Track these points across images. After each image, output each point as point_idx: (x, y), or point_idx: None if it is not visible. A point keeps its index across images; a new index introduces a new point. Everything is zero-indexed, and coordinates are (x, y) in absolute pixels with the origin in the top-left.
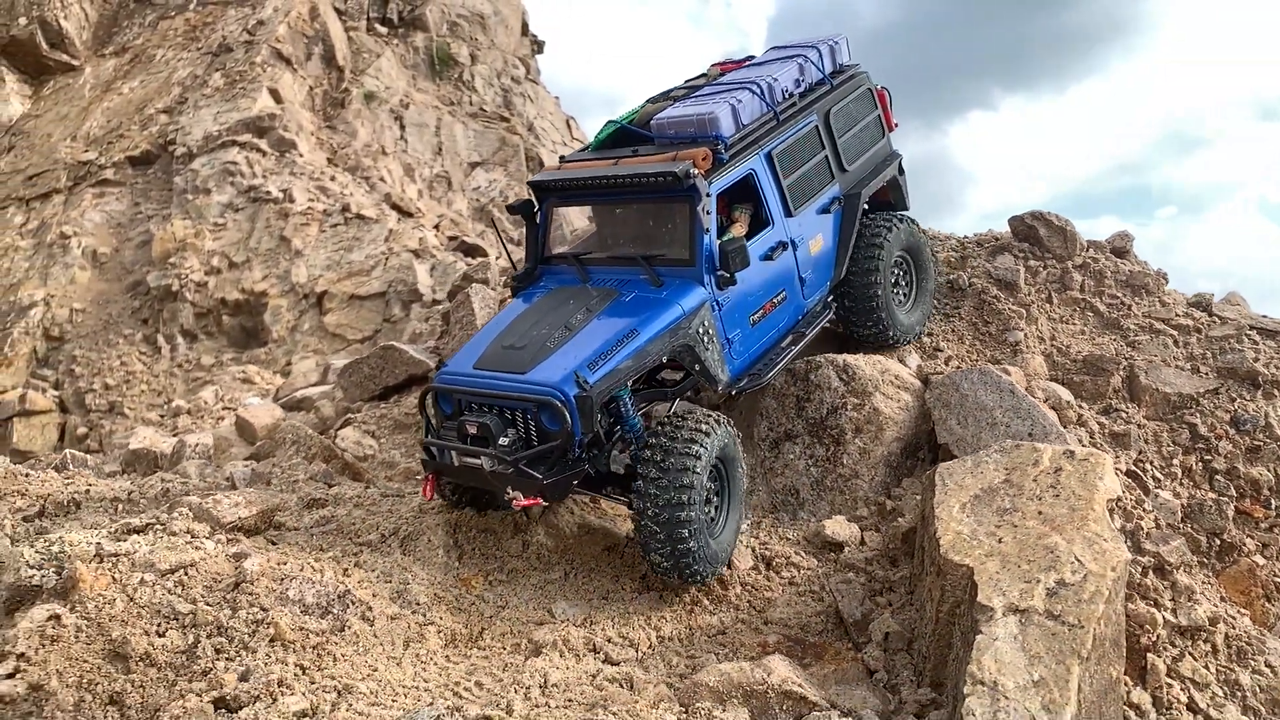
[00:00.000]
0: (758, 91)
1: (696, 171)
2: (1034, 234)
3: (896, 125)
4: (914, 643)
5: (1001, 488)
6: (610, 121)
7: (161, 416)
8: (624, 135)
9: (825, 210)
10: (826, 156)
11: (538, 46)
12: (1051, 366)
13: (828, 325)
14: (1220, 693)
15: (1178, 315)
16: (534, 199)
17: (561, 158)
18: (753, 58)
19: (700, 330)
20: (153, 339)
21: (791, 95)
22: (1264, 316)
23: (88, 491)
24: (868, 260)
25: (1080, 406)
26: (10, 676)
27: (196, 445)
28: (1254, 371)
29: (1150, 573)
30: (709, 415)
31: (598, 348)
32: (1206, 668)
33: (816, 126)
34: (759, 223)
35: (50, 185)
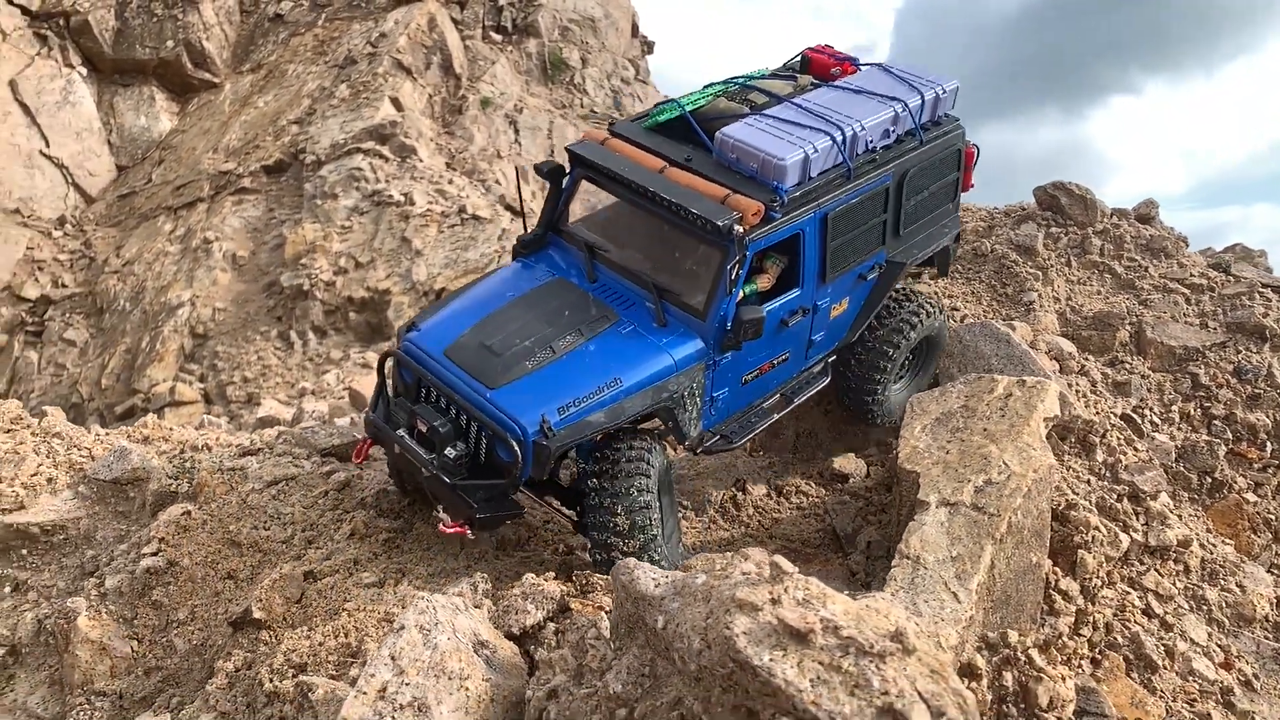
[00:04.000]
0: (838, 141)
1: (740, 230)
2: (1056, 203)
3: (973, 186)
4: (892, 550)
5: (959, 411)
6: (674, 102)
7: (289, 397)
8: (684, 125)
9: (862, 276)
10: (885, 221)
11: (648, 47)
12: (1063, 324)
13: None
14: (1185, 606)
15: (1193, 276)
16: (567, 164)
17: (610, 126)
18: (855, 61)
19: (686, 390)
20: (286, 335)
21: (874, 150)
22: None
23: (217, 439)
24: (887, 343)
25: (1084, 358)
26: (154, 554)
27: (313, 411)
28: (1262, 326)
29: (1124, 499)
30: (644, 446)
31: (574, 389)
32: (1173, 584)
33: (888, 187)
34: (788, 277)
35: (195, 194)
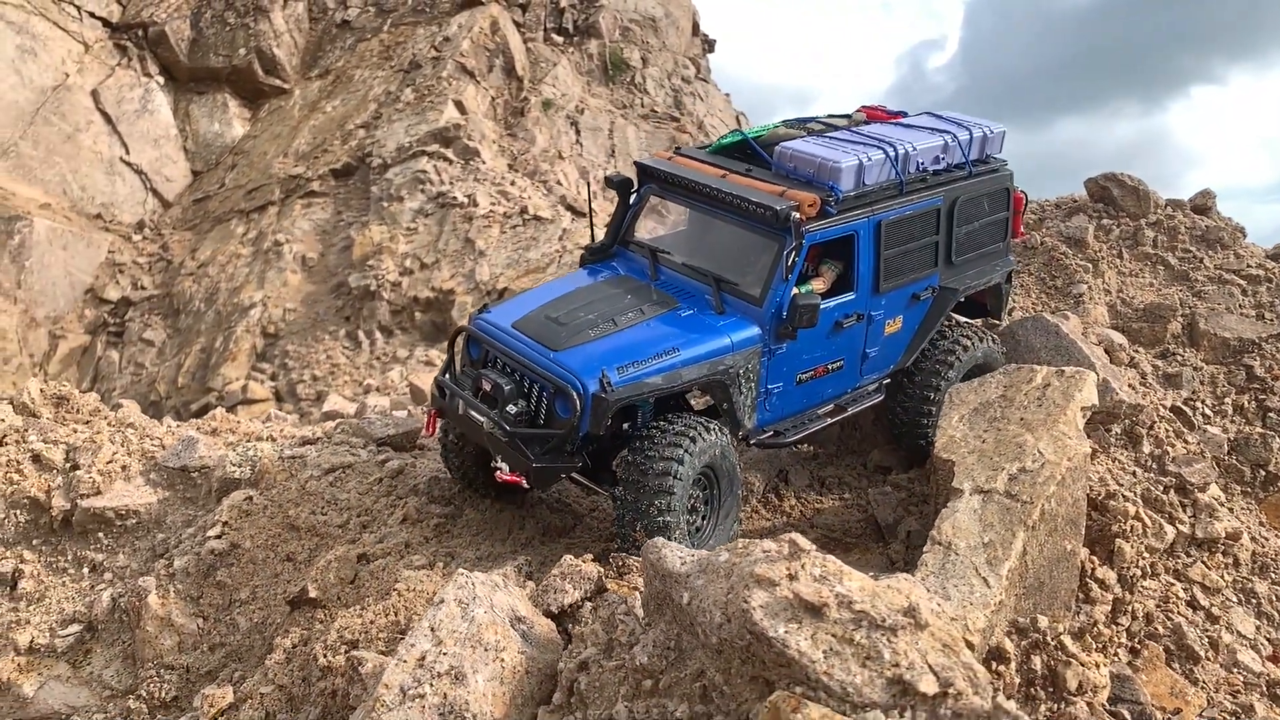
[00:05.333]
0: (890, 156)
1: (798, 216)
2: (1108, 194)
3: (1024, 234)
4: None
5: (997, 401)
6: (736, 132)
7: (355, 394)
8: (746, 149)
9: (916, 296)
10: (937, 243)
11: (708, 45)
12: (1114, 316)
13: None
14: (1233, 598)
15: (1250, 267)
16: (636, 180)
17: (676, 149)
18: (905, 114)
19: (741, 371)
20: (354, 334)
21: (925, 170)
22: None
23: (281, 430)
24: (936, 369)
25: (1135, 350)
26: (218, 537)
27: (375, 406)
28: None
29: (1171, 490)
30: (698, 422)
31: (633, 353)
32: (1222, 576)
33: (939, 210)
34: (843, 283)
35: (266, 198)
